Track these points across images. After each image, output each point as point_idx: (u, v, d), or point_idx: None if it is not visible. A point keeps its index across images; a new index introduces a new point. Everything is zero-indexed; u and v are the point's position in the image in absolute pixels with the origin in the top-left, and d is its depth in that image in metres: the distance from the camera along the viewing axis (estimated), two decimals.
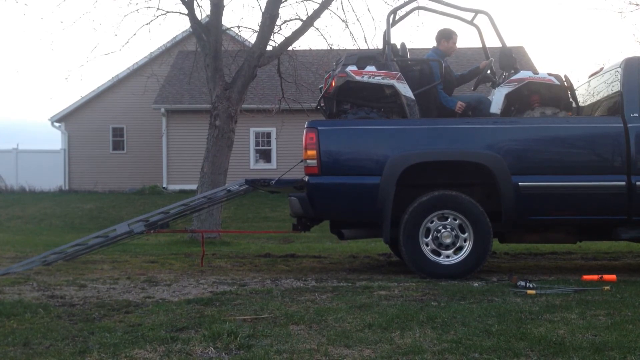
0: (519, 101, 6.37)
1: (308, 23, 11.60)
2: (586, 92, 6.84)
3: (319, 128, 5.84)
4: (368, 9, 32.78)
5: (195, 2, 11.47)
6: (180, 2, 11.43)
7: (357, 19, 21.17)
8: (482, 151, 5.71)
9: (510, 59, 6.49)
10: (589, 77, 6.89)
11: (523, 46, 23.28)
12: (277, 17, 11.34)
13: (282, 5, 11.31)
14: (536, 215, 5.75)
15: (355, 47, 12.67)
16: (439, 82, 6.37)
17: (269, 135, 21.34)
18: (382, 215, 5.68)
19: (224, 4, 11.48)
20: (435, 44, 6.76)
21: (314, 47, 15.11)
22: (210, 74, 11.27)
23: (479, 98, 6.53)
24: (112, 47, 65.52)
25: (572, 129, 5.86)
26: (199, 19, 11.72)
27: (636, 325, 3.61)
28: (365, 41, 13.19)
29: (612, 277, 5.37)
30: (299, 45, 14.50)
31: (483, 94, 6.82)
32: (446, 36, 6.68)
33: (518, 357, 3.05)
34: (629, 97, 5.79)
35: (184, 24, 27.97)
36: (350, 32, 20.66)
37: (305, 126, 5.89)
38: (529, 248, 8.69)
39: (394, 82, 6.06)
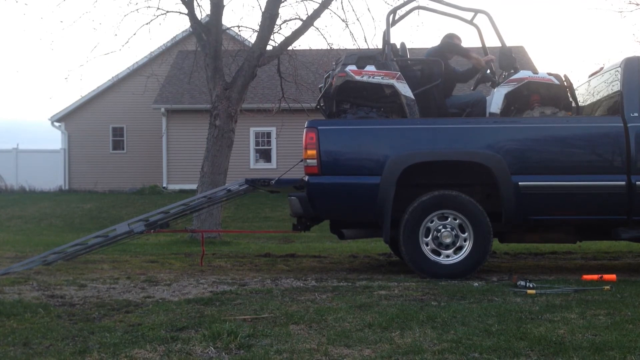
0: (518, 101, 6.36)
1: (308, 23, 11.60)
2: (586, 91, 6.84)
3: (319, 128, 5.84)
4: (368, 9, 32.80)
5: (195, 1, 11.48)
6: (180, 2, 11.42)
7: (357, 19, 21.05)
8: (482, 151, 5.70)
9: (510, 59, 6.48)
10: (589, 76, 6.89)
11: (523, 46, 23.29)
12: (277, 16, 11.33)
13: (282, 4, 11.31)
14: (536, 215, 5.75)
15: (355, 47, 12.67)
16: (439, 81, 6.37)
17: (269, 135, 21.34)
18: (382, 215, 5.68)
19: (224, 4, 11.48)
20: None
21: (314, 47, 15.12)
22: (210, 73, 11.27)
23: (477, 97, 6.52)
24: (112, 46, 65.56)
25: (572, 129, 5.85)
26: (199, 18, 11.71)
27: (636, 325, 3.62)
28: (365, 41, 13.21)
29: (612, 276, 5.37)
30: (299, 44, 14.52)
31: (481, 93, 6.80)
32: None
33: (518, 356, 3.05)
34: (629, 97, 5.79)
35: (184, 24, 28.01)
36: (350, 32, 20.73)
37: (305, 126, 5.89)
38: (529, 248, 8.68)
39: (393, 81, 6.06)
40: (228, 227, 14.29)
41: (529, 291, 4.76)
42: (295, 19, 12.02)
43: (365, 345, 3.28)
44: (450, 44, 6.71)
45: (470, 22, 6.87)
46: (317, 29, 12.59)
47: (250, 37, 14.67)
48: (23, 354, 3.18)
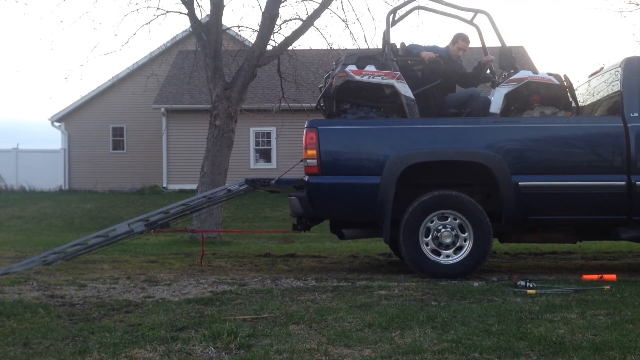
0: (518, 101, 6.37)
1: (308, 23, 11.60)
2: (586, 91, 6.84)
3: (319, 128, 5.84)
4: (368, 9, 32.86)
5: (195, 1, 11.48)
6: (180, 2, 11.43)
7: (357, 19, 21.07)
8: (482, 151, 5.70)
9: (510, 59, 6.49)
10: (589, 76, 6.90)
11: (523, 46, 23.29)
12: (277, 16, 11.34)
13: (282, 4, 11.31)
14: (536, 215, 5.75)
15: (355, 47, 12.67)
16: (439, 81, 6.37)
17: (269, 135, 21.34)
18: (382, 215, 5.67)
19: (224, 4, 11.49)
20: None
21: (314, 47, 15.13)
22: (210, 73, 11.27)
23: (471, 92, 6.51)
24: (112, 46, 65.58)
25: (572, 129, 5.85)
26: (199, 18, 11.72)
27: (636, 325, 3.62)
28: (365, 41, 13.22)
29: (612, 276, 5.38)
30: (299, 44, 14.52)
31: (475, 89, 6.79)
32: (452, 40, 6.72)
33: (518, 356, 3.05)
34: (629, 97, 5.79)
35: (184, 24, 28.04)
36: (350, 32, 20.77)
37: (305, 126, 5.89)
38: (529, 248, 8.69)
39: (393, 81, 6.06)
40: (228, 227, 14.29)
41: (529, 291, 4.76)
42: (295, 19, 12.03)
43: (365, 345, 3.28)
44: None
45: (470, 22, 6.87)
46: (317, 29, 12.61)
47: (250, 37, 14.70)
48: (23, 354, 3.18)
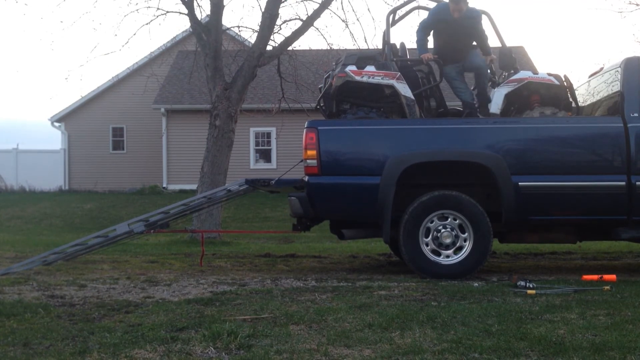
0: (518, 101, 6.37)
1: (308, 23, 11.60)
2: (586, 92, 6.84)
3: (319, 128, 5.84)
4: (368, 9, 32.96)
5: (195, 2, 11.48)
6: (180, 2, 11.43)
7: (357, 19, 21.32)
8: (482, 151, 5.70)
9: (510, 59, 6.49)
10: (589, 77, 6.89)
11: (523, 46, 23.29)
12: (277, 16, 11.34)
13: (282, 5, 11.31)
14: (536, 215, 5.75)
15: (355, 47, 12.67)
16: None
17: (269, 135, 21.33)
18: (382, 215, 5.67)
19: (224, 4, 11.49)
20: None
21: (314, 47, 15.14)
22: (210, 73, 11.27)
23: (466, 99, 6.52)
24: (112, 47, 65.66)
25: (572, 129, 5.85)
26: (199, 18, 11.72)
27: (636, 325, 3.62)
28: (365, 41, 13.21)
29: (612, 277, 5.38)
30: (299, 45, 14.52)
31: (473, 96, 6.78)
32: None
33: (518, 357, 3.05)
34: (629, 97, 5.79)
35: (184, 24, 28.02)
36: (350, 32, 20.80)
37: (305, 126, 5.90)
38: (529, 248, 8.68)
39: (393, 82, 6.07)
40: (228, 227, 14.29)
41: (529, 291, 4.76)
42: (295, 19, 12.02)
43: (365, 345, 3.28)
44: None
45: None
46: (317, 29, 12.61)
47: (250, 37, 14.68)
48: (23, 354, 3.18)
